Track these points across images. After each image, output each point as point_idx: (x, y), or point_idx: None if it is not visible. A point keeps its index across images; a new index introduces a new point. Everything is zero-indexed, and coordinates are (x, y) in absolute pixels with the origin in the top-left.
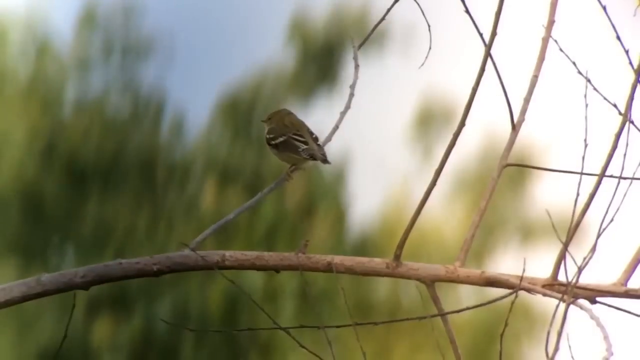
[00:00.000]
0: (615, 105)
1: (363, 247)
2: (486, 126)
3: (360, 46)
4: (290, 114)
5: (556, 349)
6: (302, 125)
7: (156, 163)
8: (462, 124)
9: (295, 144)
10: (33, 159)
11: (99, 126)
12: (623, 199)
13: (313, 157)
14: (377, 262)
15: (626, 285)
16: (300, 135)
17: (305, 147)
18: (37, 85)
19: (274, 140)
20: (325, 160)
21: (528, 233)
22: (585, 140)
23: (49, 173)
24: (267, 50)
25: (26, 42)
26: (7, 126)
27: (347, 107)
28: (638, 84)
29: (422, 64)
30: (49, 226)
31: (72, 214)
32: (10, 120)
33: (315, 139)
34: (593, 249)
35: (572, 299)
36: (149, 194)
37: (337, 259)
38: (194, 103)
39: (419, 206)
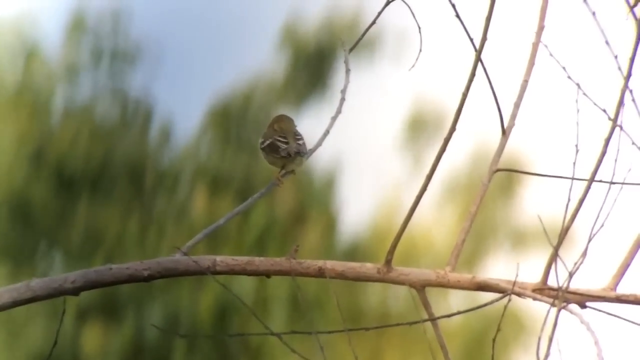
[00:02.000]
0: (604, 111)
1: (354, 253)
2: (477, 131)
3: (351, 50)
4: (281, 120)
5: (547, 354)
6: (289, 129)
7: (145, 169)
8: (453, 129)
9: (277, 145)
10: (22, 165)
11: (88, 132)
12: (614, 204)
13: (289, 154)
14: (368, 267)
15: (616, 290)
16: (284, 137)
17: (285, 147)
18: (26, 91)
19: (262, 145)
20: (297, 153)
21: (519, 238)
22: (576, 145)
23: (37, 179)
24: (258, 56)
25: (14, 48)
26: None
27: (338, 111)
28: (627, 90)
29: (413, 66)
30: (37, 232)
31: (61, 220)
32: None
33: (298, 139)
34: (584, 254)
35: (563, 304)
36: (139, 200)
37: (329, 264)
38: (182, 109)
39: (410, 211)
